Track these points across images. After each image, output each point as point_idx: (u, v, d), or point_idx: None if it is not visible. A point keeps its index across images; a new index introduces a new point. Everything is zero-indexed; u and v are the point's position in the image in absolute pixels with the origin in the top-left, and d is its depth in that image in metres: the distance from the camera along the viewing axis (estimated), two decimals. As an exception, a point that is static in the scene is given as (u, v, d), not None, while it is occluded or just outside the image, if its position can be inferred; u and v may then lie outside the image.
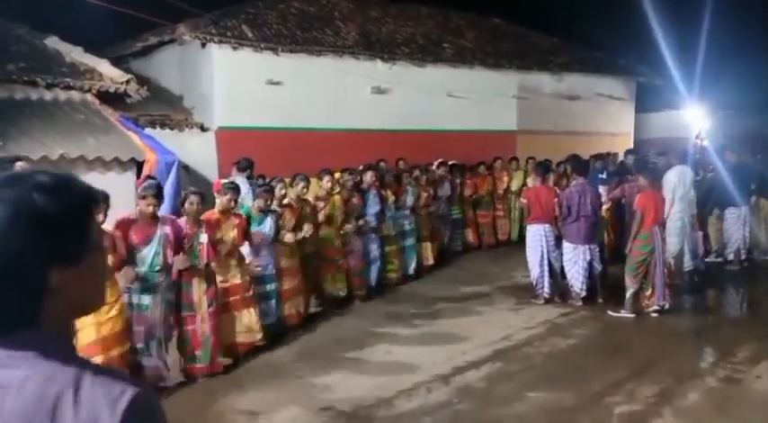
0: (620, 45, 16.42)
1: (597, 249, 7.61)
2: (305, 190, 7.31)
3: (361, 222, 7.98)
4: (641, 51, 15.55)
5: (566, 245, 7.57)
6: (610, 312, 7.16)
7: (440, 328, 6.90)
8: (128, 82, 9.19)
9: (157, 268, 5.06)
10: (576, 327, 6.87)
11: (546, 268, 7.71)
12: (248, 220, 6.21)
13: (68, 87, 8.73)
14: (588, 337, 6.58)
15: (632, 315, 7.02)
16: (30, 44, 9.24)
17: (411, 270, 9.13)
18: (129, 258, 4.98)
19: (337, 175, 7.96)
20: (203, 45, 10.87)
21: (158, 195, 5.18)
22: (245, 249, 6.28)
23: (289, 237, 6.67)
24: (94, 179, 6.93)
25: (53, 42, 9.48)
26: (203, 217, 5.73)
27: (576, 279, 7.52)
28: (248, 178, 8.28)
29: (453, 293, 8.33)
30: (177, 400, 4.98)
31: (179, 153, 8.55)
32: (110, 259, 4.61)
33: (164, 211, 5.98)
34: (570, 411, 4.68)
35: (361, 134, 11.91)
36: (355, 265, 7.91)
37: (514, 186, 11.82)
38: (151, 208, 5.08)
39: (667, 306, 7.06)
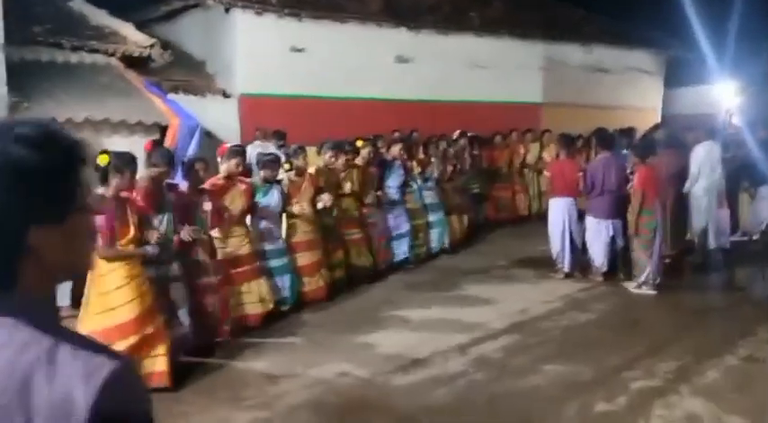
0: (649, 17, 16.00)
1: (620, 224, 7.51)
2: (333, 159, 7.10)
3: (379, 193, 7.81)
4: (671, 24, 15.12)
5: (589, 219, 7.48)
6: (630, 288, 7.11)
7: (458, 300, 6.90)
8: (152, 46, 9.18)
9: (171, 236, 4.90)
10: (596, 302, 6.83)
11: (567, 242, 7.65)
12: (254, 190, 6.08)
13: (93, 50, 8.75)
14: (607, 312, 6.55)
15: (653, 291, 6.97)
16: (55, 6, 9.24)
17: (442, 245, 8.81)
18: (144, 226, 4.67)
19: (359, 143, 7.84)
20: (227, 10, 10.80)
21: (170, 163, 5.01)
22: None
23: (296, 208, 6.45)
24: (119, 142, 6.96)
25: (78, 5, 9.47)
26: (208, 183, 5.63)
27: (598, 254, 7.45)
28: (280, 147, 8.64)
29: (472, 267, 8.30)
30: (191, 366, 5.05)
31: (201, 119, 8.57)
32: (132, 230, 4.47)
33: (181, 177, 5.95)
34: (586, 385, 4.68)
35: (384, 103, 11.82)
36: (379, 239, 7.74)
37: (530, 159, 11.59)
38: (163, 176, 4.93)
39: (659, 280, 6.99)
